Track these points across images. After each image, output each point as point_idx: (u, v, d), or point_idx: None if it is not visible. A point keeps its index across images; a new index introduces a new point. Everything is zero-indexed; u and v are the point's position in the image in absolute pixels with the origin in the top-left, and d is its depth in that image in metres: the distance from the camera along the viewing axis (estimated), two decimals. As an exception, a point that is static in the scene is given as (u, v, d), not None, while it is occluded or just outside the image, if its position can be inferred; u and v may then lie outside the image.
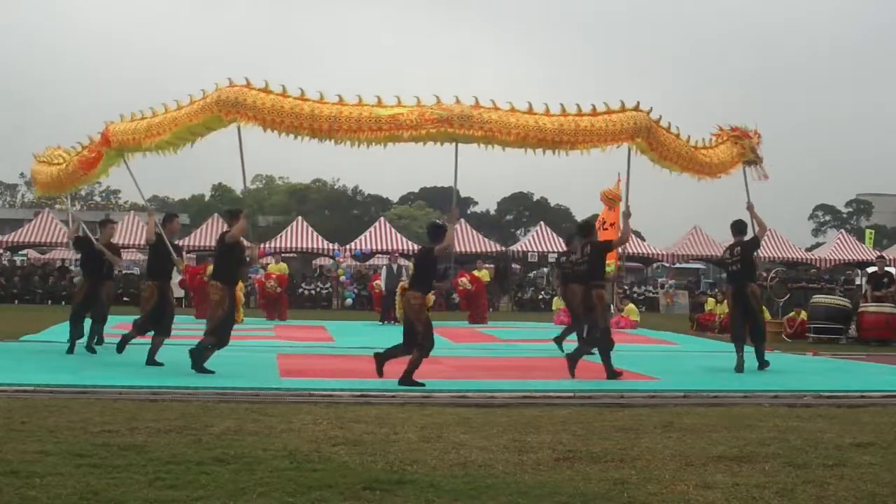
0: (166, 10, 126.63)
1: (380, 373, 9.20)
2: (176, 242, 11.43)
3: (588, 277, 10.51)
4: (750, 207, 11.83)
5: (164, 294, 10.63)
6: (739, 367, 10.91)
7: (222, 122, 10.63)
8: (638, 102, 11.12)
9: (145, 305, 10.93)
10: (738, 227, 11.67)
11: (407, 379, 8.85)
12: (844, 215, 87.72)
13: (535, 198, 77.56)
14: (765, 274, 25.55)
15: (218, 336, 9.75)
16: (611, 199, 18.82)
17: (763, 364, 11.15)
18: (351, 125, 10.38)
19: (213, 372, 9.37)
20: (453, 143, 10.66)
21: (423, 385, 8.76)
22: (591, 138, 10.81)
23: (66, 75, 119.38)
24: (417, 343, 9.03)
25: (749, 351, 11.09)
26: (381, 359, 9.31)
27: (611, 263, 22.63)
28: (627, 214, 11.06)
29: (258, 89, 10.46)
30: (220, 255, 10.18)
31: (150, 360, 10.22)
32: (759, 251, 12.31)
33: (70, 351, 11.51)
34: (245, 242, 10.48)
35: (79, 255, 13.35)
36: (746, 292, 11.25)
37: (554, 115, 10.81)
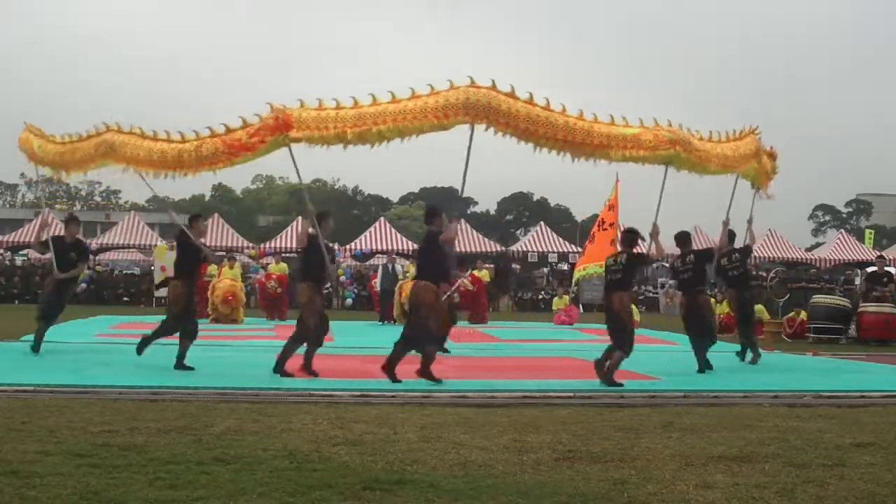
0: (168, 14, 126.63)
1: (615, 383, 9.12)
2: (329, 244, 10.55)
3: (692, 284, 11.14)
4: (750, 222, 12.54)
5: (319, 300, 10.01)
6: (755, 360, 11.86)
7: (457, 123, 9.83)
8: (757, 127, 11.88)
9: (305, 311, 9.90)
10: (730, 237, 12.36)
11: (610, 379, 9.18)
12: (844, 215, 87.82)
13: (535, 198, 77.67)
14: (764, 274, 25.57)
15: (439, 339, 9.47)
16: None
17: (745, 354, 12.06)
18: (601, 141, 10.26)
19: (440, 380, 9.04)
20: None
21: (622, 385, 9.08)
22: (736, 165, 11.61)
23: (64, 76, 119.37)
24: (620, 344, 9.37)
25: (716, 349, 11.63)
26: (601, 365, 9.34)
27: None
28: (727, 223, 12.06)
29: (505, 94, 9.83)
30: (426, 253, 9.60)
31: (307, 367, 9.61)
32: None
33: (181, 363, 10.02)
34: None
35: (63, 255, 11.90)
36: (747, 297, 12.22)
37: (722, 142, 11.41)
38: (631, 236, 10.11)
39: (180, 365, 9.86)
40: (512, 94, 9.85)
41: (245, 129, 10.31)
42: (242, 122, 10.32)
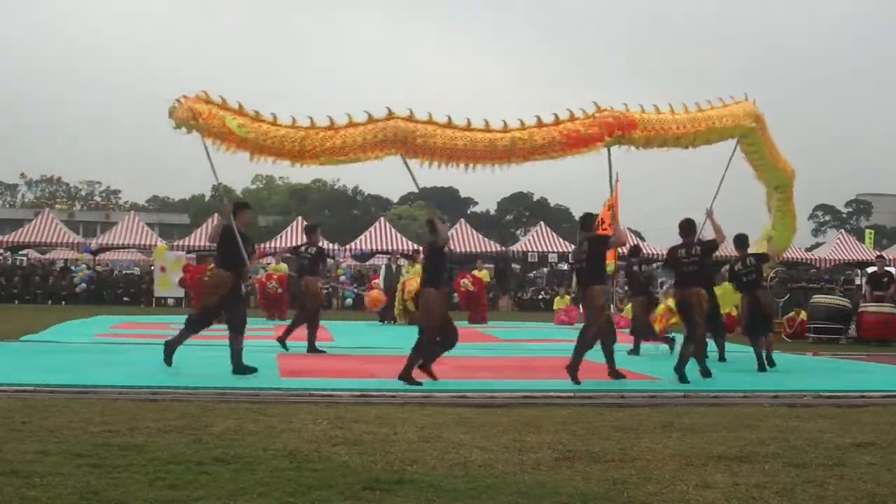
0: (165, 14, 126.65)
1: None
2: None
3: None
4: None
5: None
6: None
7: (738, 134, 11.33)
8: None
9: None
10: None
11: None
12: (844, 215, 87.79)
13: (535, 198, 77.57)
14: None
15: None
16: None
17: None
18: (783, 165, 12.47)
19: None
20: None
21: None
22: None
23: (62, 74, 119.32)
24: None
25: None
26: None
27: (610, 263, 22.75)
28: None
29: None
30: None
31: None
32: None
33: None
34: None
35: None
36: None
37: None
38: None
39: (409, 379, 9.03)
40: None
41: (576, 122, 10.23)
42: (570, 115, 10.28)
